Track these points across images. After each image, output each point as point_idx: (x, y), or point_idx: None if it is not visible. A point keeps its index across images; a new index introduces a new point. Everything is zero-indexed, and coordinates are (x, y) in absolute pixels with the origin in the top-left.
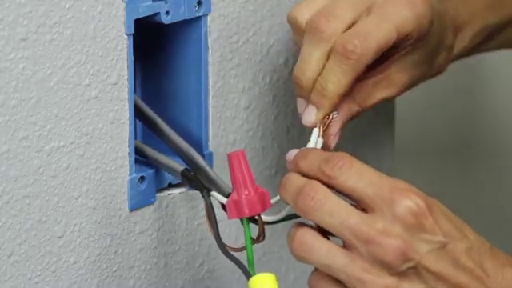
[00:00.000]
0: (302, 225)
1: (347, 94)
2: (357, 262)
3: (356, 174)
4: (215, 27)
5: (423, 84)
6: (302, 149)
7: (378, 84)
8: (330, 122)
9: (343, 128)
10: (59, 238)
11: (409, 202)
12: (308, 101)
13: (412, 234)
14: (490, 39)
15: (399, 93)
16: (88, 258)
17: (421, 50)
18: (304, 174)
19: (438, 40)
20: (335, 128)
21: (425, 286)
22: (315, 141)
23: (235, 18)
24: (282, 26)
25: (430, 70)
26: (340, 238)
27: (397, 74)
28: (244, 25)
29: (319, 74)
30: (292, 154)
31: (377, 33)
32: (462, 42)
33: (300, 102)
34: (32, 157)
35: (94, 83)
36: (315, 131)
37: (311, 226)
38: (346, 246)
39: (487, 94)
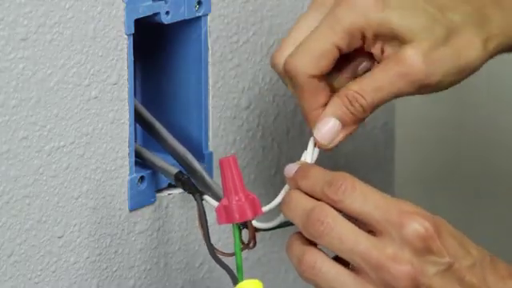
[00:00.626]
0: (307, 244)
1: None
2: (365, 285)
3: (360, 197)
4: (215, 27)
5: None
6: (301, 164)
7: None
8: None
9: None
10: (59, 238)
11: (417, 225)
12: None
13: (421, 259)
14: None
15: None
16: (88, 258)
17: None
18: (306, 193)
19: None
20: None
21: None
22: (312, 150)
23: (235, 18)
24: (281, 26)
25: (455, 61)
26: (349, 262)
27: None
28: (244, 25)
29: None
30: (291, 169)
31: (314, 47)
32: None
33: None
34: (32, 157)
35: (94, 83)
36: (312, 140)
37: (314, 243)
38: (354, 269)
39: (488, 104)
